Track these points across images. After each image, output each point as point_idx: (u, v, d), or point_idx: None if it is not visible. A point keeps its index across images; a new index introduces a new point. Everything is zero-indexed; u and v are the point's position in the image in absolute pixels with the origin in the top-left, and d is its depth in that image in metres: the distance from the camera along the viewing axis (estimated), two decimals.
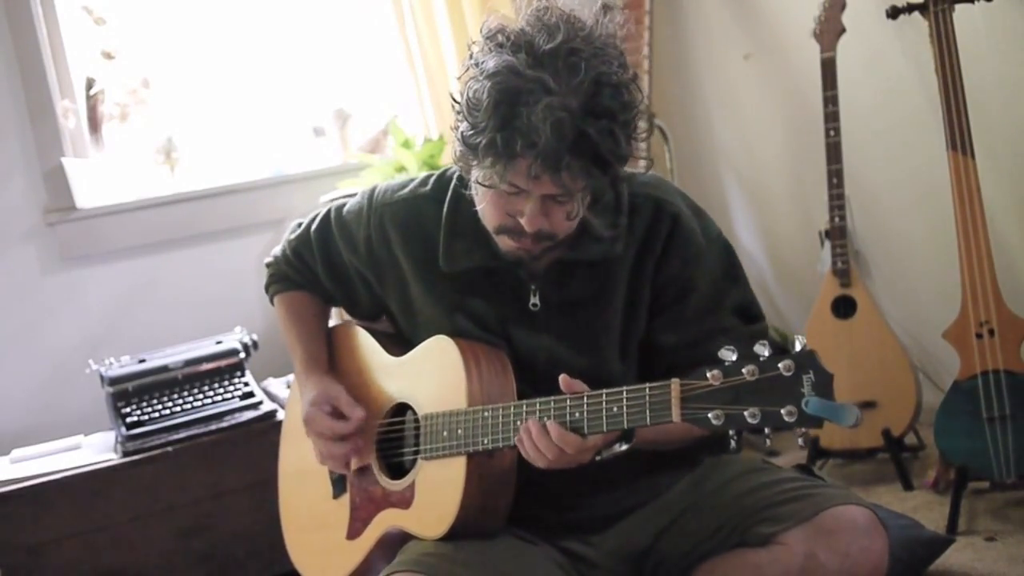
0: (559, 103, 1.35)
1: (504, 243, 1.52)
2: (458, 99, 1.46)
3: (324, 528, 1.75)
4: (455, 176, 1.64)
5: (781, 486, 1.54)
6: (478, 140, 1.40)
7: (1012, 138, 2.51)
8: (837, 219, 2.54)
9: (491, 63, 1.40)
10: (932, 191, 2.52)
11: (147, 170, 3.23)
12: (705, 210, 1.65)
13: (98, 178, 3.05)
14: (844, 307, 2.57)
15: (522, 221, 1.46)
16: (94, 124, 3.14)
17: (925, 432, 2.56)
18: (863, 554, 1.44)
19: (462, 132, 1.44)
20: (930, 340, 2.60)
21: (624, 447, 1.44)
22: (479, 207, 1.51)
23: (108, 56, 3.19)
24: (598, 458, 1.44)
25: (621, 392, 1.35)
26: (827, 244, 2.58)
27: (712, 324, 1.54)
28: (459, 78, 1.48)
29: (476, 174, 1.46)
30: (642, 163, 1.61)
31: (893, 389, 2.52)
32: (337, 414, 1.67)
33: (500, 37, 1.42)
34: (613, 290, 1.58)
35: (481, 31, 1.46)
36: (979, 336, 2.20)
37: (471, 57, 1.45)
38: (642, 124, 1.46)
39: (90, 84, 3.14)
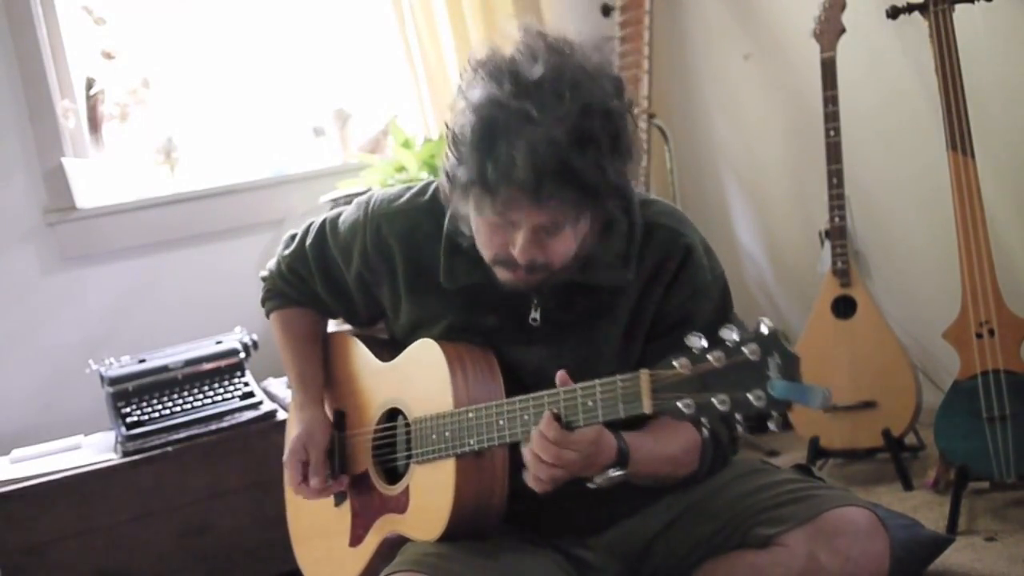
0: (542, 134, 1.34)
1: (501, 274, 1.51)
2: (447, 128, 1.46)
3: (328, 536, 1.75)
4: None
5: (781, 487, 1.54)
6: (459, 174, 1.41)
7: (1012, 138, 2.51)
8: (837, 219, 2.54)
9: (476, 94, 1.40)
10: (932, 191, 2.52)
11: (147, 170, 3.23)
12: (711, 247, 1.65)
13: (98, 178, 3.05)
14: (844, 307, 2.57)
15: (514, 252, 1.45)
16: (94, 124, 3.14)
17: (925, 432, 2.56)
18: (864, 556, 1.44)
19: (447, 167, 1.45)
20: (930, 340, 2.60)
21: (619, 472, 1.44)
22: (476, 239, 1.51)
23: (108, 56, 3.19)
24: (592, 486, 1.44)
25: (594, 385, 1.36)
26: (827, 244, 2.57)
27: None
28: (451, 107, 1.47)
29: (465, 207, 1.46)
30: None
31: (893, 389, 2.52)
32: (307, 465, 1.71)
33: (489, 66, 1.42)
34: (616, 315, 1.58)
35: (468, 62, 1.45)
36: (979, 336, 2.19)
37: (459, 89, 1.45)
38: (631, 151, 1.44)
39: (90, 84, 3.14)
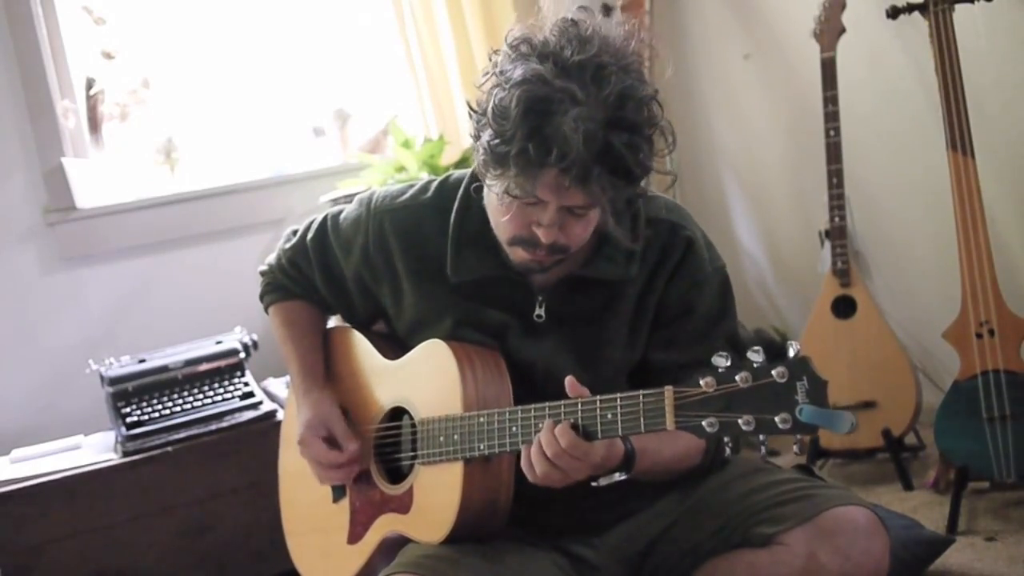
0: (587, 114, 1.34)
1: (516, 254, 1.51)
2: (476, 108, 1.45)
3: (325, 532, 1.75)
4: (462, 183, 1.63)
5: (782, 487, 1.54)
6: (506, 149, 1.37)
7: (1012, 138, 2.51)
8: (837, 219, 2.54)
9: (518, 72, 1.38)
10: (932, 191, 2.52)
11: (147, 170, 3.23)
12: (711, 241, 1.66)
13: (98, 178, 3.05)
14: (844, 307, 2.57)
15: (538, 232, 1.44)
16: (94, 124, 3.14)
17: (925, 432, 2.56)
18: (864, 555, 1.44)
19: (487, 141, 1.41)
20: (930, 340, 2.60)
21: (622, 476, 1.44)
22: (496, 219, 1.50)
23: (108, 56, 3.19)
24: (595, 484, 1.44)
25: (616, 399, 1.35)
26: (827, 244, 2.58)
27: (706, 348, 1.53)
28: (479, 86, 1.46)
29: (498, 184, 1.44)
30: (667, 177, 1.61)
31: (893, 389, 2.52)
32: (332, 440, 1.68)
33: (525, 47, 1.41)
34: (620, 309, 1.58)
35: (506, 39, 1.44)
36: (979, 336, 2.20)
37: (495, 65, 1.43)
38: (662, 140, 1.44)
39: (90, 84, 3.14)
